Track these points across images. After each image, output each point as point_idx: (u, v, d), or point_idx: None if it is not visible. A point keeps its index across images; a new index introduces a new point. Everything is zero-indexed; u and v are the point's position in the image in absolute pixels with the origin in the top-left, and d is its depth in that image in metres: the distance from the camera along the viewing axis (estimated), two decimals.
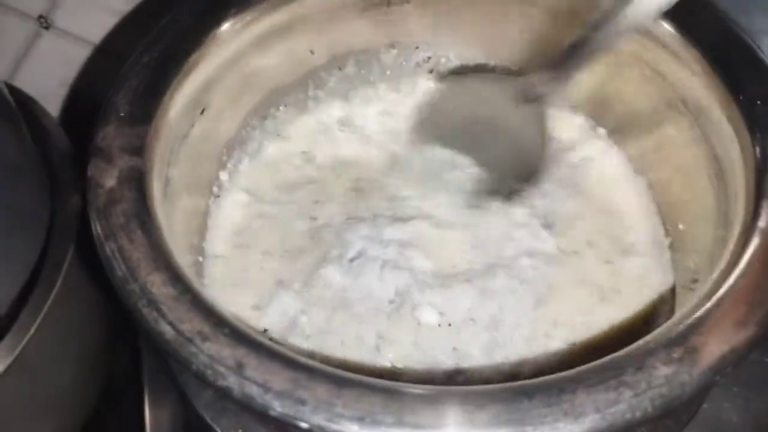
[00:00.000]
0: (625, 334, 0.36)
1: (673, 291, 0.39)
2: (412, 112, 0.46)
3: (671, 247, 0.41)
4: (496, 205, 0.41)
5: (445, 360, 0.35)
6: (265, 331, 0.37)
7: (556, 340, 0.36)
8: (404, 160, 0.44)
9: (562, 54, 0.36)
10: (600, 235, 0.41)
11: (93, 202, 0.30)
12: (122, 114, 0.34)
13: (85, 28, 0.61)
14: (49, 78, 0.63)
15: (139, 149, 0.33)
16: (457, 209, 0.41)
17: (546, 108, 0.38)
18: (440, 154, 0.43)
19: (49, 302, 0.42)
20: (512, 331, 0.36)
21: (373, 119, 0.48)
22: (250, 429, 0.34)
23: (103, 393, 0.53)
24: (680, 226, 0.40)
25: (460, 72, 0.48)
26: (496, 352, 0.36)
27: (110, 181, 0.31)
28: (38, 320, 0.42)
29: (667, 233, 0.41)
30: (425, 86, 0.49)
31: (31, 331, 0.41)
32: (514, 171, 0.41)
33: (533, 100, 0.38)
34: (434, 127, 0.43)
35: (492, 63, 0.49)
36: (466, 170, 0.42)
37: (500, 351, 0.36)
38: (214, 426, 0.35)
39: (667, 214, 0.42)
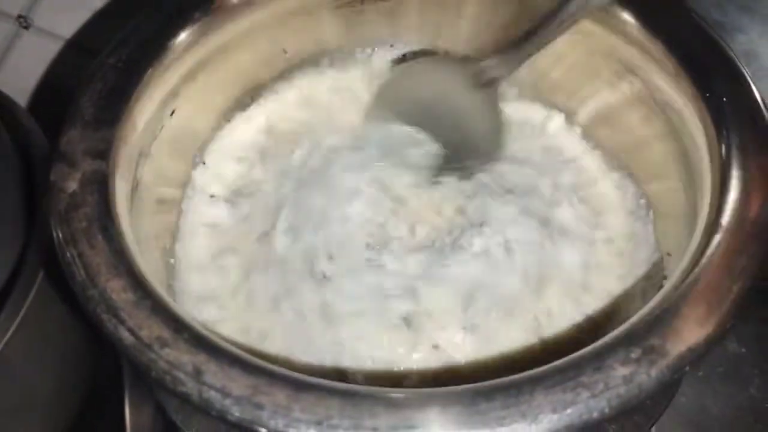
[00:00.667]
0: (596, 330, 0.36)
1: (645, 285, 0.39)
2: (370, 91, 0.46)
3: (647, 241, 0.41)
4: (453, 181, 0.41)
5: (404, 358, 0.35)
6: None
7: (523, 333, 0.36)
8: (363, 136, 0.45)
9: (516, 40, 0.37)
10: (574, 222, 0.41)
11: (54, 206, 0.30)
12: (87, 117, 0.34)
13: (66, 27, 0.61)
14: (29, 78, 0.63)
15: (104, 153, 0.33)
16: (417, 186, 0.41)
17: (498, 92, 0.39)
18: (398, 131, 0.44)
19: (28, 302, 0.42)
20: (480, 317, 0.36)
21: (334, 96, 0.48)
22: None
23: (86, 398, 0.53)
24: (654, 222, 0.40)
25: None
26: (458, 347, 0.36)
27: (72, 185, 0.31)
28: (17, 321, 0.41)
29: (644, 226, 0.41)
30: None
31: (10, 333, 0.41)
32: (471, 151, 0.42)
33: (486, 84, 0.39)
34: (392, 106, 0.44)
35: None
36: (423, 147, 0.43)
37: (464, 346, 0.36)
38: (185, 430, 0.34)
39: (642, 211, 0.42)
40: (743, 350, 0.53)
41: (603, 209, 0.43)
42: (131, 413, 0.50)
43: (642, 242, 0.41)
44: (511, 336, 0.36)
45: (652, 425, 0.34)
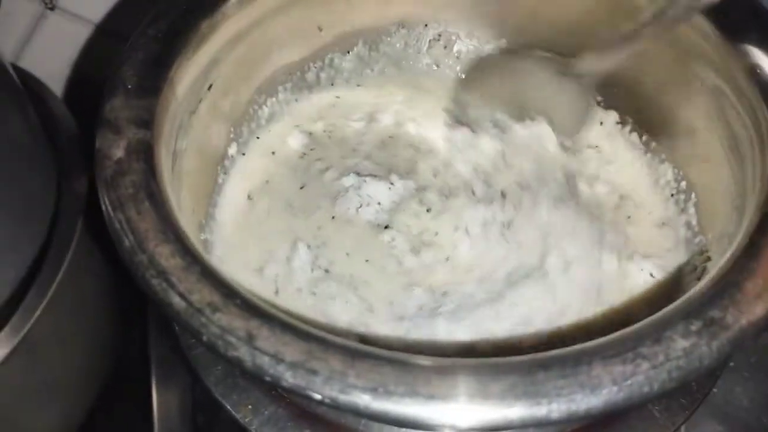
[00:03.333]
0: (643, 308, 0.36)
1: (686, 268, 0.38)
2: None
3: (687, 224, 0.40)
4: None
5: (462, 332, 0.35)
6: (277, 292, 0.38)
7: (573, 312, 0.36)
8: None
9: (614, 39, 0.37)
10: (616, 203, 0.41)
11: (101, 173, 0.30)
12: (129, 86, 0.34)
13: (90, 8, 0.61)
14: (54, 59, 0.63)
15: (147, 122, 0.33)
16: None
17: (589, 84, 0.40)
18: (482, 111, 0.44)
19: (55, 283, 0.42)
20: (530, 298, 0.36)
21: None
22: (259, 404, 0.34)
23: (111, 376, 0.53)
24: (697, 203, 0.40)
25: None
26: (514, 322, 0.35)
27: (118, 153, 0.31)
28: (45, 301, 0.42)
29: (683, 210, 0.41)
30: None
31: (38, 312, 0.41)
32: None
33: (576, 77, 0.40)
34: (478, 90, 0.45)
35: (504, 42, 0.49)
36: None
37: (519, 322, 0.35)
38: (224, 402, 0.34)
39: (683, 190, 0.41)
40: None
41: (639, 193, 0.43)
42: (158, 391, 0.51)
43: (682, 225, 0.40)
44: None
45: (696, 408, 0.33)
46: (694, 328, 0.24)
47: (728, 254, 0.27)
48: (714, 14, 0.35)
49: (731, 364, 0.52)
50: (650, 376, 0.23)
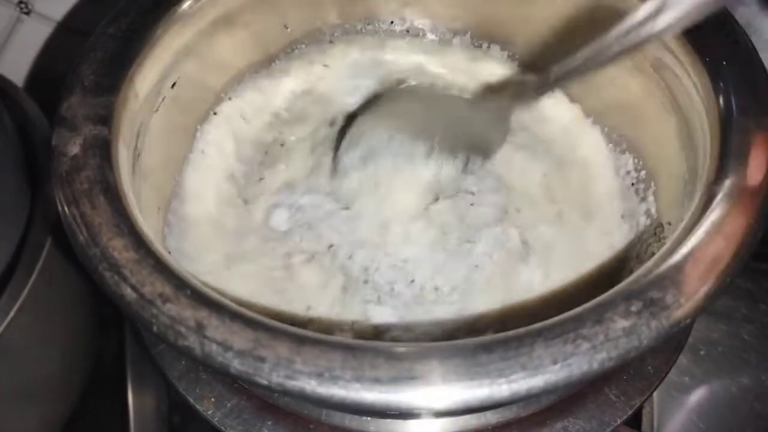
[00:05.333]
0: (593, 289, 0.36)
1: (644, 255, 0.39)
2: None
3: (647, 213, 0.41)
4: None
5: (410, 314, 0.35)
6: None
7: (521, 292, 0.37)
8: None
9: (562, 67, 0.35)
10: (564, 187, 0.41)
11: (56, 170, 0.30)
12: (87, 84, 0.34)
13: (65, 13, 0.61)
14: (30, 63, 0.63)
15: (105, 118, 0.33)
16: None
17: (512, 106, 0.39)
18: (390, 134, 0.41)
19: (28, 287, 0.42)
20: (478, 283, 0.36)
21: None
22: (222, 397, 0.34)
23: (90, 381, 0.53)
24: (656, 191, 0.40)
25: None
26: (459, 306, 0.36)
27: (74, 149, 0.31)
28: (17, 305, 0.42)
29: (643, 199, 0.41)
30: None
31: (11, 315, 0.41)
32: (470, 150, 0.40)
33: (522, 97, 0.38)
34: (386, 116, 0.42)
35: (469, 33, 0.49)
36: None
37: (464, 304, 0.36)
38: (187, 396, 0.35)
39: (642, 183, 0.42)
40: (747, 332, 0.53)
41: (601, 182, 0.43)
42: (134, 394, 0.51)
43: (643, 213, 0.41)
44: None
45: (653, 392, 0.34)
46: (634, 308, 0.24)
47: (672, 237, 0.27)
48: None
49: (702, 352, 0.53)
50: (590, 356, 0.23)
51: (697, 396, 0.51)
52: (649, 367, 0.34)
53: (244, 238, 0.40)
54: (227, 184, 0.43)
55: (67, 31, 0.62)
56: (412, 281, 0.37)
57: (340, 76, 0.48)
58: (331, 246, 0.38)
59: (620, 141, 0.44)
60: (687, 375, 0.52)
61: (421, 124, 0.40)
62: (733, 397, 0.51)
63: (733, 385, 0.51)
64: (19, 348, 0.44)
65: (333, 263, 0.38)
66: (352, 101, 0.46)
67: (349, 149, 0.39)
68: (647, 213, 0.41)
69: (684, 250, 0.26)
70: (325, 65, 0.49)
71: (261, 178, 0.42)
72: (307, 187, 0.40)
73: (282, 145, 0.44)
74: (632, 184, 0.42)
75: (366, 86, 0.47)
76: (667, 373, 0.34)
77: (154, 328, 0.25)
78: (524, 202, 0.41)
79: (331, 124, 0.44)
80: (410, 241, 0.38)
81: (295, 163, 0.43)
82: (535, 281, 0.37)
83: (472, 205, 0.39)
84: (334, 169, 0.41)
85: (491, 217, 0.39)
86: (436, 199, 0.40)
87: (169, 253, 0.39)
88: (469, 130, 0.40)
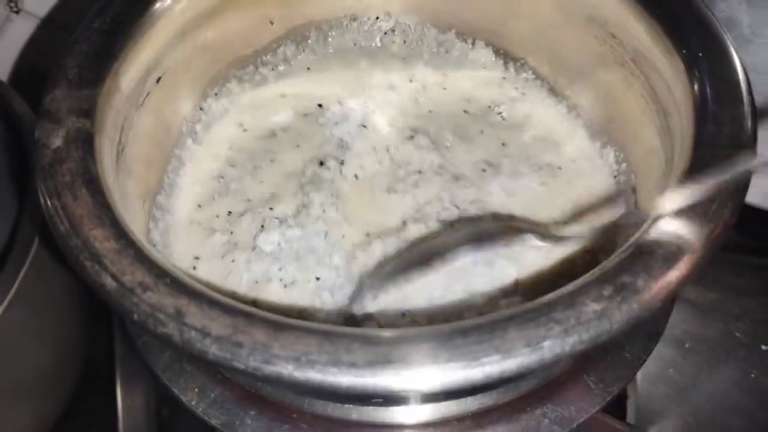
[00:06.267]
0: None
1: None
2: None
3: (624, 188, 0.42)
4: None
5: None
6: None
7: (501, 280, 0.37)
8: None
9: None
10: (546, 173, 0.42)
11: (39, 162, 0.30)
12: (71, 77, 0.34)
13: (55, 11, 0.61)
14: (19, 62, 0.63)
15: (88, 111, 0.33)
16: None
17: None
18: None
19: (17, 282, 0.43)
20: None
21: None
22: (206, 387, 0.35)
23: (82, 376, 0.53)
24: (632, 183, 0.41)
25: None
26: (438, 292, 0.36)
27: (57, 142, 0.31)
28: (6, 300, 0.42)
29: (619, 181, 0.42)
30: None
31: (1, 310, 0.41)
32: None
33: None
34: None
35: (454, 29, 0.50)
36: None
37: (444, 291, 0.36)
38: (171, 387, 0.35)
39: (623, 176, 0.43)
40: (734, 327, 0.54)
41: (583, 173, 0.44)
42: (122, 389, 0.51)
43: (621, 204, 0.41)
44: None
45: (630, 379, 0.34)
46: (605, 293, 0.25)
47: (641, 229, 0.28)
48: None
49: (687, 345, 0.53)
50: (562, 338, 0.24)
51: (684, 390, 0.52)
52: (627, 354, 0.34)
53: (221, 245, 0.40)
54: (213, 185, 0.43)
55: (55, 27, 0.62)
56: (403, 315, 0.37)
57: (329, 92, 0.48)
58: (318, 278, 0.38)
59: (601, 134, 0.44)
60: (674, 369, 0.53)
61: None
62: (721, 391, 0.51)
63: (721, 379, 0.52)
64: (10, 344, 0.44)
65: (316, 294, 0.38)
66: (345, 132, 0.46)
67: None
68: (628, 203, 0.41)
69: (655, 236, 0.27)
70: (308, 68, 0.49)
71: (248, 199, 0.42)
72: (297, 223, 0.40)
73: (272, 160, 0.44)
74: (614, 176, 0.43)
75: (355, 109, 0.47)
76: (644, 361, 0.34)
77: (135, 317, 0.25)
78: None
79: (321, 163, 0.44)
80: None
81: (285, 195, 0.42)
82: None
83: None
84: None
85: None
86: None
87: (154, 246, 0.39)
88: None
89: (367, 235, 0.40)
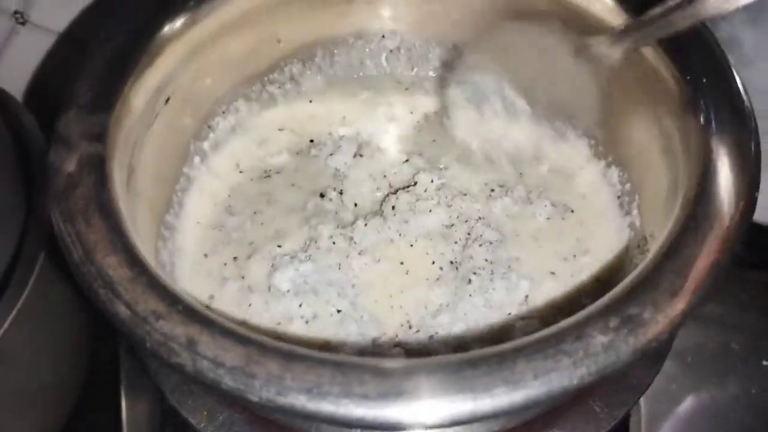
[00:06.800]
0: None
1: (629, 268, 0.40)
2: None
3: (631, 225, 0.42)
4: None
5: (394, 330, 0.36)
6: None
7: (512, 308, 0.38)
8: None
9: (632, 24, 0.36)
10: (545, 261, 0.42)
11: (52, 187, 0.31)
12: (83, 101, 0.34)
13: (61, 22, 0.60)
14: (26, 73, 0.63)
15: (100, 136, 0.33)
16: None
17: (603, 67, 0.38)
18: (489, 78, 0.41)
19: (24, 295, 0.43)
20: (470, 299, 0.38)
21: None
22: (214, 410, 0.35)
23: (85, 389, 0.53)
24: (636, 204, 0.41)
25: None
26: (445, 321, 0.37)
27: (70, 167, 0.32)
28: (14, 312, 0.42)
29: (628, 213, 0.42)
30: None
31: (7, 324, 0.42)
32: (564, 114, 0.41)
33: (590, 59, 0.38)
34: (488, 55, 0.42)
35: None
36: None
37: (450, 321, 0.37)
38: (180, 408, 0.35)
39: (627, 197, 0.43)
40: (734, 340, 0.54)
41: (589, 198, 0.44)
42: (127, 404, 0.51)
43: (626, 227, 0.42)
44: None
45: (635, 403, 0.35)
46: (612, 324, 0.25)
47: (651, 253, 0.28)
48: None
49: (689, 359, 0.53)
50: (570, 371, 0.24)
51: (685, 405, 0.52)
52: (632, 379, 0.34)
53: (236, 292, 0.40)
54: (215, 235, 0.43)
55: (63, 39, 0.62)
56: (432, 336, 0.37)
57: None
58: (339, 311, 0.38)
59: (606, 154, 0.45)
60: (675, 383, 0.53)
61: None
62: (722, 406, 0.51)
63: (721, 394, 0.52)
64: (14, 358, 0.44)
65: (340, 326, 0.38)
66: (341, 162, 0.46)
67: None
68: (631, 226, 0.41)
69: (661, 266, 0.27)
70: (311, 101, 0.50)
71: (251, 242, 0.42)
72: (308, 257, 0.40)
73: (269, 202, 0.45)
74: (618, 197, 0.43)
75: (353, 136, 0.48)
76: (649, 385, 0.34)
77: (147, 345, 0.26)
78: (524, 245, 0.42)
79: (322, 195, 0.44)
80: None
81: (290, 231, 0.42)
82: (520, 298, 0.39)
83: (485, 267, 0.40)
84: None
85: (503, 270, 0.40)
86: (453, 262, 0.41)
87: (163, 267, 0.39)
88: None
89: (378, 261, 0.40)
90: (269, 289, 0.39)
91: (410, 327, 0.38)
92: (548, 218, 0.43)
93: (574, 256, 0.41)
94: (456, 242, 0.41)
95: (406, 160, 0.46)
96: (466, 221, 0.42)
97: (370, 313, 0.38)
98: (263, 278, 0.40)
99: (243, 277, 0.40)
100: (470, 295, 0.38)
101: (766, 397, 0.51)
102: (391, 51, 0.51)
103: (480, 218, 0.42)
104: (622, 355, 0.24)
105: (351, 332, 0.37)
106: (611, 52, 0.37)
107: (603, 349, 0.24)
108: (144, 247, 0.33)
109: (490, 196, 0.44)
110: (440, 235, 0.42)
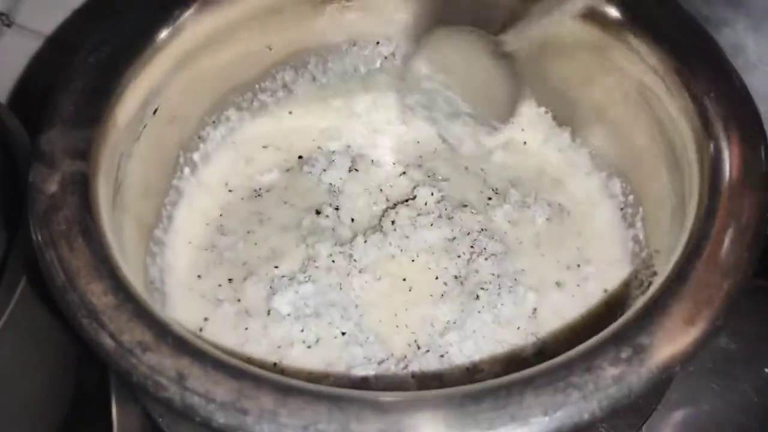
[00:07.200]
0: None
1: (633, 282, 0.38)
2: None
3: (634, 238, 0.41)
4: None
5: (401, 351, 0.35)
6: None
7: (515, 335, 0.36)
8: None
9: (528, 18, 0.39)
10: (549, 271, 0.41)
11: (33, 208, 0.29)
12: (66, 116, 0.33)
13: (48, 25, 0.59)
14: (11, 76, 0.62)
15: (84, 153, 0.32)
16: None
17: (516, 63, 0.40)
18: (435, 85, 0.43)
19: (10, 307, 0.42)
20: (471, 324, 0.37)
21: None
22: None
23: (73, 401, 0.52)
24: (640, 216, 0.40)
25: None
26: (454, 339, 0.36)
27: (52, 187, 0.30)
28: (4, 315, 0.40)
29: (631, 225, 0.41)
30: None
31: None
32: (489, 112, 0.42)
33: (505, 55, 0.40)
34: (431, 64, 0.43)
35: None
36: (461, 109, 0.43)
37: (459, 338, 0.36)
38: None
39: (630, 208, 0.42)
40: (733, 346, 0.53)
41: (589, 207, 0.43)
42: (118, 415, 0.50)
43: (629, 239, 0.41)
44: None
45: (644, 423, 0.34)
46: (623, 355, 0.24)
47: (660, 280, 0.27)
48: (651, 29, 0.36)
49: (690, 369, 0.53)
50: (581, 406, 0.23)
51: (683, 412, 0.51)
52: (640, 401, 0.33)
53: (233, 315, 0.39)
54: (206, 255, 0.41)
55: (50, 42, 0.61)
56: (442, 356, 0.36)
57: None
58: (344, 333, 0.37)
59: (608, 165, 0.43)
60: (674, 391, 0.52)
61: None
62: (721, 414, 0.50)
63: (720, 402, 0.51)
64: (2, 369, 0.43)
65: (345, 350, 0.37)
66: (335, 177, 0.45)
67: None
68: (635, 239, 0.40)
69: (673, 291, 0.26)
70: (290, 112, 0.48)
71: (244, 262, 0.41)
72: (307, 278, 0.39)
73: (262, 221, 0.43)
74: (620, 209, 0.42)
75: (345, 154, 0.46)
76: (656, 407, 0.33)
77: (134, 379, 0.24)
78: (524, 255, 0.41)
79: (318, 212, 0.43)
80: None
81: (286, 251, 0.41)
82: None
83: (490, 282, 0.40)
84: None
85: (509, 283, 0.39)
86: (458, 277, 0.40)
87: (152, 283, 0.38)
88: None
89: (379, 278, 0.39)
90: (268, 313, 0.38)
91: (418, 347, 0.37)
92: (548, 219, 0.42)
93: (578, 265, 0.40)
94: (459, 256, 0.40)
95: (403, 173, 0.45)
96: (468, 234, 0.41)
97: (376, 333, 0.37)
98: (261, 301, 0.38)
99: (239, 300, 0.39)
100: (479, 312, 0.37)
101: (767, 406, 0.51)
102: (385, 57, 0.50)
103: (483, 230, 0.41)
104: (634, 388, 0.23)
105: (356, 355, 0.36)
106: (520, 45, 0.40)
107: (614, 382, 0.23)
108: (131, 267, 0.32)
109: (488, 204, 0.43)
110: (442, 249, 0.40)
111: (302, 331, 0.36)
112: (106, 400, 0.50)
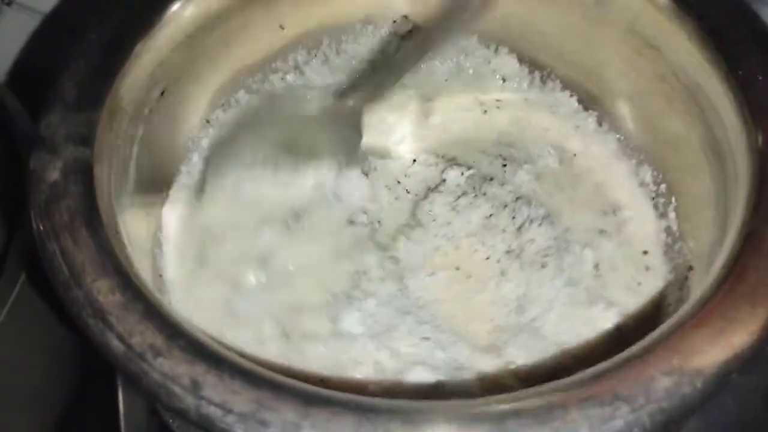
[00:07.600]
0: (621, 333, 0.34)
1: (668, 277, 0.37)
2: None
3: (667, 232, 0.39)
4: None
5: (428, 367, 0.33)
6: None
7: (550, 341, 0.34)
8: None
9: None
10: (590, 221, 0.39)
11: (34, 198, 0.27)
12: (69, 100, 0.31)
13: (47, 3, 0.58)
14: (11, 56, 0.60)
15: (87, 138, 0.30)
16: None
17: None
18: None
19: (13, 295, 0.40)
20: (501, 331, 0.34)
21: None
22: None
23: (77, 391, 0.51)
24: (678, 208, 0.38)
25: None
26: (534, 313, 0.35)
27: (54, 175, 0.28)
28: (2, 315, 0.39)
29: (663, 215, 0.39)
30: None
31: None
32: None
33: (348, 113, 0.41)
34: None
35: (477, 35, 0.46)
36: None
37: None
38: None
39: (662, 198, 0.40)
40: None
41: (619, 197, 0.41)
42: (125, 406, 0.49)
43: (662, 230, 0.39)
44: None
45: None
46: (675, 362, 0.22)
47: (710, 277, 0.25)
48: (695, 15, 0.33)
49: None
50: (630, 421, 0.21)
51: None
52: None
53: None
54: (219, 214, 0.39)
55: (48, 21, 0.59)
56: (531, 333, 0.35)
57: None
58: (427, 338, 0.35)
59: (638, 150, 0.41)
60: None
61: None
62: (719, 421, 0.49)
63: (721, 413, 0.50)
64: (4, 358, 0.42)
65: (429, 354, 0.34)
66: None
67: None
68: (667, 230, 0.38)
69: (727, 291, 0.24)
70: None
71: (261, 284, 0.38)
72: (365, 293, 0.36)
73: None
74: (652, 198, 0.40)
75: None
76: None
77: (144, 386, 0.23)
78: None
79: (351, 222, 0.39)
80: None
81: (332, 274, 0.37)
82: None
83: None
84: None
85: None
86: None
87: (160, 276, 0.36)
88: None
89: (432, 274, 0.37)
90: (340, 335, 0.35)
91: (502, 331, 0.35)
92: (560, 162, 0.41)
93: (614, 212, 0.40)
94: (504, 230, 0.38)
95: (414, 160, 0.42)
96: (505, 206, 0.39)
97: (454, 330, 0.35)
98: (323, 325, 0.35)
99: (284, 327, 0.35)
100: (551, 280, 0.36)
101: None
102: (402, 37, 0.48)
103: (517, 198, 0.39)
104: (688, 400, 0.21)
105: (438, 358, 0.33)
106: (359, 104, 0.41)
107: (667, 395, 0.21)
108: (139, 259, 0.30)
109: (505, 171, 0.41)
110: (483, 228, 0.38)
111: (377, 349, 0.34)
112: (112, 387, 0.48)
